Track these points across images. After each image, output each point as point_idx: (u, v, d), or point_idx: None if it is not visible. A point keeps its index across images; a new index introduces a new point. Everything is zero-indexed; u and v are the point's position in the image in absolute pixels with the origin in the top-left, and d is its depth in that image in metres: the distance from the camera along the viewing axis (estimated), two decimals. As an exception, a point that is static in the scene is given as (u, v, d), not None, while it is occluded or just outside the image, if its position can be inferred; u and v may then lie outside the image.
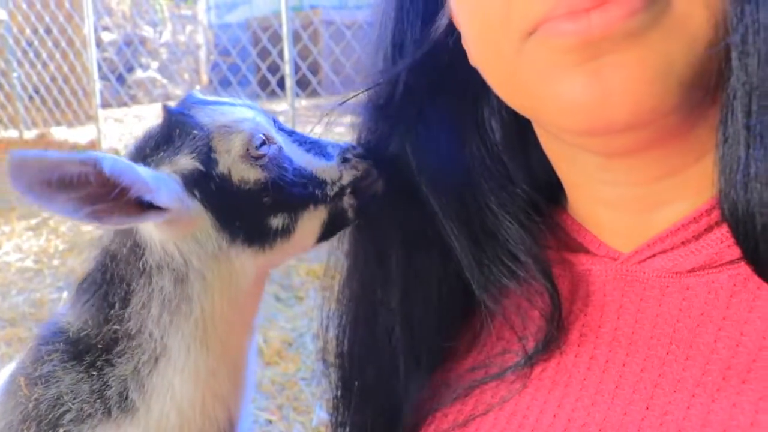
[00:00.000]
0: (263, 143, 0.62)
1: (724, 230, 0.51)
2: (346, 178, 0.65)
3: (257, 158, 0.61)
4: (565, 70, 0.46)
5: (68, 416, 0.58)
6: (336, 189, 0.65)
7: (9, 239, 4.80)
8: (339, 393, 0.73)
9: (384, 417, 0.69)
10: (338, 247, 0.71)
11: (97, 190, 0.54)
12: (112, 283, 0.62)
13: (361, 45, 6.05)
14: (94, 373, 0.59)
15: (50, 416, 0.59)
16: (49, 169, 0.53)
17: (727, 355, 0.50)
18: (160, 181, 0.57)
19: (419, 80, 0.64)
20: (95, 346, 0.60)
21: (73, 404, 0.58)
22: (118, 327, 0.60)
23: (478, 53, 0.56)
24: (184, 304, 0.60)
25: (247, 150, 0.61)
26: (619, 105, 0.45)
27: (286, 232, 0.62)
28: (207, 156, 0.60)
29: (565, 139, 0.56)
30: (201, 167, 0.60)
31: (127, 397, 0.58)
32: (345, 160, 0.66)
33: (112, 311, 0.60)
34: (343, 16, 7.66)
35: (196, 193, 0.60)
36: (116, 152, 6.54)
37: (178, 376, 0.59)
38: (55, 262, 4.34)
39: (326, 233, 0.66)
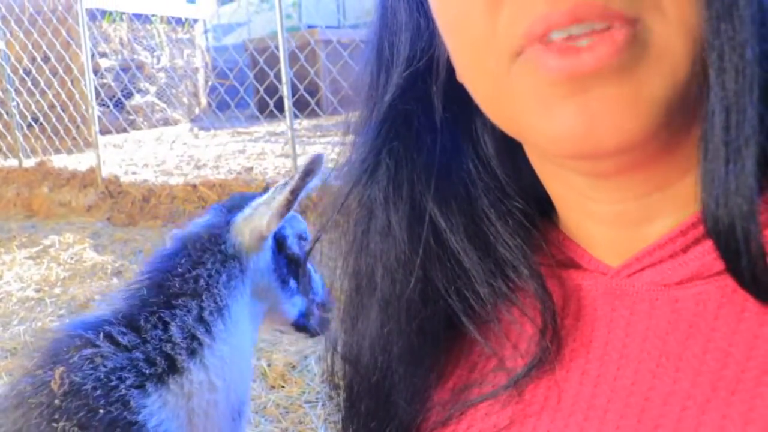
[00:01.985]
0: (304, 239, 0.86)
1: (710, 242, 0.51)
2: (320, 301, 0.86)
3: (301, 240, 0.85)
4: (552, 101, 0.47)
5: (127, 383, 0.66)
6: (313, 299, 0.86)
7: (10, 269, 4.79)
8: (343, 415, 0.74)
9: None
10: (343, 269, 0.72)
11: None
12: (186, 255, 0.78)
13: (359, 64, 6.05)
14: (150, 333, 0.70)
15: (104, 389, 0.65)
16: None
17: (716, 366, 0.50)
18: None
19: (411, 95, 0.64)
20: (155, 304, 0.73)
21: (129, 374, 0.66)
22: (186, 286, 0.74)
23: (463, 70, 0.56)
24: (240, 284, 0.79)
25: (300, 234, 0.86)
26: (606, 135, 0.46)
27: (292, 293, 0.83)
28: (283, 228, 0.85)
29: (552, 161, 0.57)
30: (281, 231, 0.85)
31: (195, 340, 0.71)
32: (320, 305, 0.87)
33: (180, 269, 0.76)
34: (340, 35, 7.70)
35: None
36: (116, 178, 6.57)
37: (234, 327, 0.75)
38: (57, 291, 4.32)
39: (298, 322, 0.86)
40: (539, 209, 0.66)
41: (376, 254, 0.65)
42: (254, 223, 0.80)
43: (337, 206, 0.68)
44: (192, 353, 0.70)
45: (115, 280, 4.43)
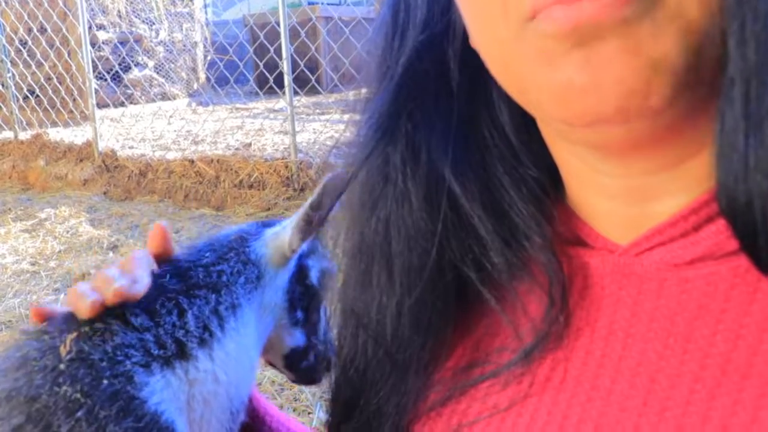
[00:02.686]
0: (329, 276, 0.86)
1: (723, 221, 0.50)
2: (321, 350, 0.86)
3: (324, 277, 0.86)
4: (556, 57, 0.46)
5: (132, 359, 0.66)
6: (314, 343, 0.85)
7: (5, 241, 4.77)
8: (335, 393, 0.75)
9: (373, 417, 0.68)
10: (348, 237, 0.72)
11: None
12: (213, 249, 0.79)
13: (360, 41, 6.05)
14: (164, 318, 0.70)
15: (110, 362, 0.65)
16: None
17: (726, 348, 0.49)
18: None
19: (427, 58, 0.63)
20: (175, 291, 0.73)
21: (136, 351, 0.66)
22: (208, 278, 0.75)
23: (476, 36, 0.56)
24: (254, 290, 0.79)
25: (325, 271, 0.86)
26: (608, 92, 0.45)
27: (296, 322, 0.83)
28: (309, 258, 0.86)
29: (561, 132, 0.56)
30: (305, 261, 0.86)
31: (207, 331, 0.71)
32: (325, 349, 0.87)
33: (205, 261, 0.77)
34: (341, 12, 7.63)
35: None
36: (113, 152, 6.54)
37: (243, 328, 0.75)
38: (52, 264, 4.31)
39: (290, 357, 0.84)
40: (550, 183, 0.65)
41: (391, 221, 0.64)
42: (279, 240, 0.81)
43: (352, 174, 0.67)
44: (202, 343, 0.70)
45: (110, 254, 4.42)
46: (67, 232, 4.92)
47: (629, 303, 0.56)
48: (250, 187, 5.41)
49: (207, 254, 0.79)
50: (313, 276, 0.85)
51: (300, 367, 0.85)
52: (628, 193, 0.56)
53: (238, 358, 0.74)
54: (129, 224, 5.06)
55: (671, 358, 0.51)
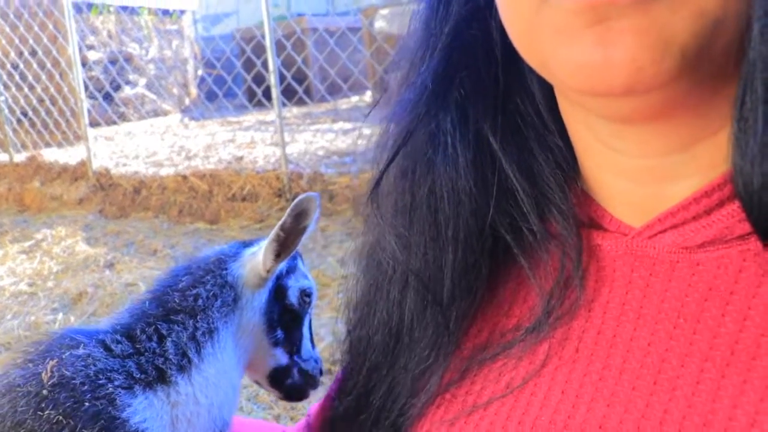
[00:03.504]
0: (309, 295, 0.89)
1: (735, 205, 0.52)
2: (305, 367, 0.86)
3: (304, 296, 0.88)
4: (573, 32, 0.48)
5: (115, 383, 0.69)
6: (297, 361, 0.86)
7: (2, 263, 4.80)
8: (344, 386, 0.76)
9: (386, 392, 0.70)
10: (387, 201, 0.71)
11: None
12: (190, 273, 0.81)
13: (346, 51, 6.10)
14: (144, 345, 0.73)
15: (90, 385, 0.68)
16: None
17: (735, 329, 0.50)
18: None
19: (474, 25, 0.65)
20: (153, 316, 0.76)
21: (119, 375, 0.69)
22: (184, 302, 0.77)
23: (502, 10, 0.58)
24: (231, 313, 0.80)
25: (305, 291, 0.88)
26: (619, 69, 0.46)
27: (276, 342, 0.84)
28: (288, 277, 0.87)
29: (575, 101, 0.58)
30: (284, 280, 0.87)
31: (186, 357, 0.74)
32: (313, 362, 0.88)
33: (181, 285, 0.79)
34: (328, 22, 7.68)
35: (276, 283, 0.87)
36: (107, 170, 6.54)
37: (221, 353, 0.77)
38: (50, 284, 4.34)
39: (274, 375, 0.86)
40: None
41: (439, 184, 0.65)
42: (256, 260, 0.82)
43: (403, 138, 0.67)
44: (181, 369, 0.73)
45: (107, 272, 4.45)
46: (64, 251, 4.95)
47: (641, 285, 0.57)
48: (243, 199, 5.45)
49: (184, 278, 0.80)
50: (292, 295, 0.85)
51: (285, 385, 0.85)
52: (642, 173, 0.57)
53: (217, 382, 0.76)
54: (125, 242, 5.09)
55: (681, 338, 0.53)
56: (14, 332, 3.60)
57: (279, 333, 0.84)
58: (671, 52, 0.45)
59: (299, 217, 0.81)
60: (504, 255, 0.67)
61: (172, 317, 0.76)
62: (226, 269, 0.82)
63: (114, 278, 4.30)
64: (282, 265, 0.85)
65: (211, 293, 0.79)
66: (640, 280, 0.58)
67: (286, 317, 0.85)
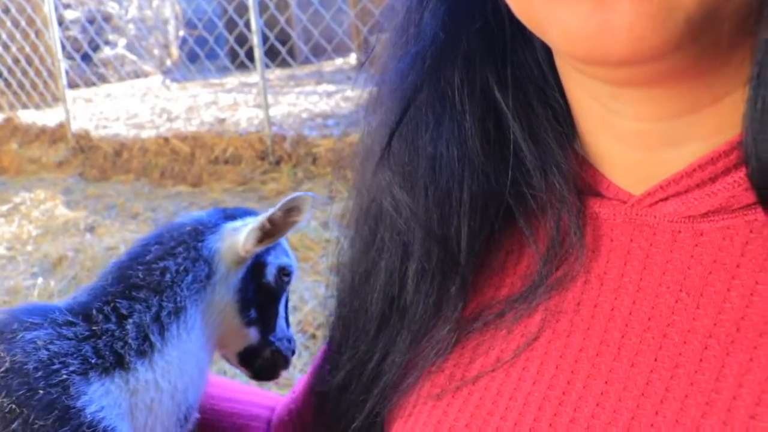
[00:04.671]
0: (288, 274, 0.84)
1: (742, 173, 0.49)
2: (278, 346, 0.83)
3: (282, 275, 0.84)
4: None
5: (69, 369, 0.65)
6: (270, 341, 0.82)
7: (-20, 227, 4.75)
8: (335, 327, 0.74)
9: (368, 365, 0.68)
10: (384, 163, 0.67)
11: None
12: (160, 243, 0.76)
13: (330, 11, 6.02)
14: (102, 326, 0.69)
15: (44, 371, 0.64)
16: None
17: (741, 304, 0.48)
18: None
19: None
20: (112, 294, 0.71)
21: (74, 360, 0.65)
22: (149, 277, 0.72)
23: None
24: (202, 290, 0.75)
25: (284, 268, 0.83)
26: (617, 37, 0.44)
27: (249, 322, 0.80)
28: (268, 254, 0.83)
29: (571, 64, 0.54)
30: (264, 256, 0.83)
31: (147, 341, 0.70)
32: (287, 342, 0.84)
33: (148, 257, 0.74)
34: (311, -18, 7.55)
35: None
36: (86, 132, 6.48)
37: (187, 334, 0.73)
38: (29, 248, 4.31)
39: (244, 355, 0.82)
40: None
41: (446, 143, 0.62)
42: (236, 237, 0.77)
43: (412, 92, 0.64)
44: (142, 354, 0.69)
45: (88, 236, 4.42)
46: (44, 215, 4.91)
47: (640, 255, 0.55)
48: (226, 162, 5.41)
49: (153, 248, 0.75)
50: (269, 273, 0.81)
51: (255, 364, 0.82)
52: (642, 137, 0.54)
53: (182, 365, 0.72)
54: (106, 205, 5.05)
55: (684, 312, 0.50)
56: (-7, 297, 3.57)
57: (252, 312, 0.80)
58: (674, 21, 0.43)
59: (290, 212, 0.78)
60: (495, 220, 0.63)
61: (134, 294, 0.70)
62: (202, 241, 0.77)
63: (95, 242, 4.27)
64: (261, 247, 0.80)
65: (182, 267, 0.74)
66: (639, 250, 0.55)
67: (261, 296, 0.81)
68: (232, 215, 0.81)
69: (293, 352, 0.84)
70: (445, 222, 0.62)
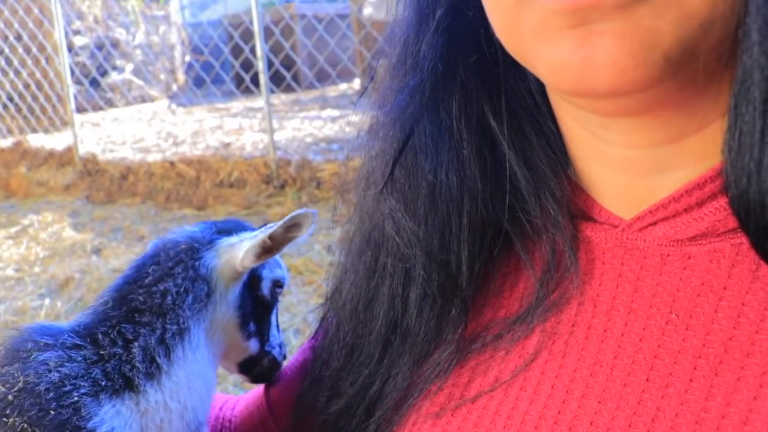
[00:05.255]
0: (281, 285, 0.85)
1: (727, 198, 0.50)
2: (274, 354, 0.85)
3: (276, 287, 0.85)
4: (552, 32, 0.47)
5: (81, 391, 0.66)
6: (267, 350, 0.84)
7: (-11, 249, 4.79)
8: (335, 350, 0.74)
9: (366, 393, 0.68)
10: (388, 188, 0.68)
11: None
12: (157, 263, 0.76)
13: (334, 38, 6.09)
14: (109, 351, 0.69)
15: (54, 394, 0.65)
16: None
17: (728, 325, 0.49)
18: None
19: (472, 7, 0.62)
20: (116, 318, 0.71)
21: (85, 382, 0.66)
22: (150, 300, 0.72)
23: (483, 2, 0.56)
24: (204, 309, 0.75)
25: (278, 281, 0.85)
26: (600, 72, 0.45)
27: (249, 335, 0.81)
28: (263, 267, 0.83)
29: (559, 95, 0.57)
30: (259, 270, 0.83)
31: (154, 363, 0.70)
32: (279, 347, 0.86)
33: (148, 280, 0.74)
34: (316, 9, 7.66)
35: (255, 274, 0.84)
36: (93, 156, 6.51)
37: (192, 354, 0.73)
38: (37, 270, 4.33)
39: (244, 365, 0.84)
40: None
41: (445, 172, 0.63)
42: (233, 253, 0.77)
43: (410, 125, 0.65)
44: (150, 376, 0.70)
45: (94, 258, 4.45)
46: (51, 237, 4.93)
47: (631, 278, 0.56)
48: (231, 186, 5.44)
49: (150, 270, 0.75)
50: (265, 287, 0.82)
51: (254, 372, 0.84)
52: (630, 164, 0.56)
53: (189, 385, 0.73)
54: (112, 227, 5.08)
55: (674, 334, 0.51)
56: (1, 317, 3.60)
57: (251, 326, 0.81)
58: (654, 57, 0.44)
59: (290, 228, 0.79)
60: (493, 245, 0.65)
61: (137, 318, 0.71)
62: (199, 259, 0.76)
63: (101, 264, 4.29)
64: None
65: (182, 288, 0.74)
66: (630, 273, 0.56)
67: (258, 309, 0.82)
68: (225, 229, 0.81)
69: (285, 357, 0.87)
70: (445, 247, 0.63)
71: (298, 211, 0.78)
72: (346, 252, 0.74)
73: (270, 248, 0.78)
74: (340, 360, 0.72)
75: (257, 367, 0.84)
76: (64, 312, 3.65)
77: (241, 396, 0.91)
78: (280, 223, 0.77)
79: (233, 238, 0.79)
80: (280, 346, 0.85)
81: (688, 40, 0.44)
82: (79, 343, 0.68)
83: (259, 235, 0.77)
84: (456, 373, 0.62)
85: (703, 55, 0.46)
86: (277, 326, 0.86)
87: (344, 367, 0.71)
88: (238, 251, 0.77)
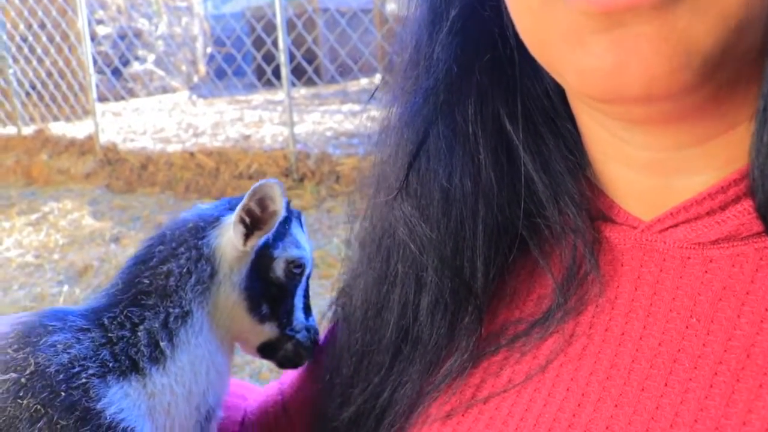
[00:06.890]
0: (300, 266, 0.80)
1: (750, 202, 0.50)
2: (299, 338, 0.80)
3: (292, 267, 0.79)
4: (585, 34, 0.45)
5: (89, 372, 0.66)
6: (290, 335, 0.80)
7: (9, 235, 4.84)
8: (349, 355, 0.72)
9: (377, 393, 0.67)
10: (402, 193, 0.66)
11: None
12: (163, 243, 0.74)
13: (357, 32, 6.09)
14: (116, 333, 0.69)
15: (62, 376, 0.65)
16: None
17: (751, 331, 0.48)
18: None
19: (487, 7, 0.61)
20: (123, 301, 0.70)
21: (93, 363, 0.66)
22: (155, 282, 0.71)
23: (509, 2, 0.54)
24: (207, 291, 0.73)
25: (293, 261, 0.79)
26: (634, 76, 0.44)
27: (262, 319, 0.77)
28: (275, 247, 0.78)
29: (585, 103, 0.55)
30: (270, 250, 0.78)
31: (158, 348, 0.69)
32: (307, 330, 0.81)
33: (154, 261, 0.72)
34: (339, 3, 7.65)
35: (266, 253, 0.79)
36: (114, 145, 6.57)
37: (195, 338, 0.72)
38: (56, 257, 4.38)
39: (263, 349, 0.80)
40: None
41: (460, 175, 0.62)
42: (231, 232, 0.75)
43: (424, 129, 0.63)
44: (154, 360, 0.70)
45: (112, 246, 4.48)
46: (70, 225, 4.99)
47: (650, 281, 0.55)
48: (250, 177, 5.46)
49: (157, 250, 0.73)
50: (278, 268, 0.78)
51: (277, 356, 0.80)
52: (653, 165, 0.55)
53: (195, 369, 0.72)
54: (131, 216, 5.12)
55: (694, 338, 0.50)
56: (20, 303, 3.65)
57: (264, 309, 0.77)
58: (690, 60, 0.43)
59: (263, 202, 0.75)
60: (509, 250, 0.64)
61: (143, 301, 0.71)
62: (202, 238, 0.74)
63: (119, 252, 4.33)
64: (267, 238, 0.76)
65: (185, 269, 0.72)
66: (649, 275, 0.55)
67: (272, 291, 0.77)
68: (236, 205, 0.76)
69: (316, 342, 0.81)
70: (459, 252, 0.62)
71: (260, 182, 0.74)
72: (357, 258, 0.73)
73: (257, 226, 0.74)
74: (351, 368, 0.71)
75: (280, 352, 0.80)
76: (82, 299, 3.68)
77: (260, 390, 0.89)
78: (246, 195, 0.74)
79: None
80: (308, 330, 0.80)
81: (725, 42, 0.43)
82: (87, 326, 0.68)
83: (234, 213, 0.74)
84: (468, 374, 0.61)
85: (738, 58, 0.45)
86: (306, 308, 0.81)
87: (354, 374, 0.70)
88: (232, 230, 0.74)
